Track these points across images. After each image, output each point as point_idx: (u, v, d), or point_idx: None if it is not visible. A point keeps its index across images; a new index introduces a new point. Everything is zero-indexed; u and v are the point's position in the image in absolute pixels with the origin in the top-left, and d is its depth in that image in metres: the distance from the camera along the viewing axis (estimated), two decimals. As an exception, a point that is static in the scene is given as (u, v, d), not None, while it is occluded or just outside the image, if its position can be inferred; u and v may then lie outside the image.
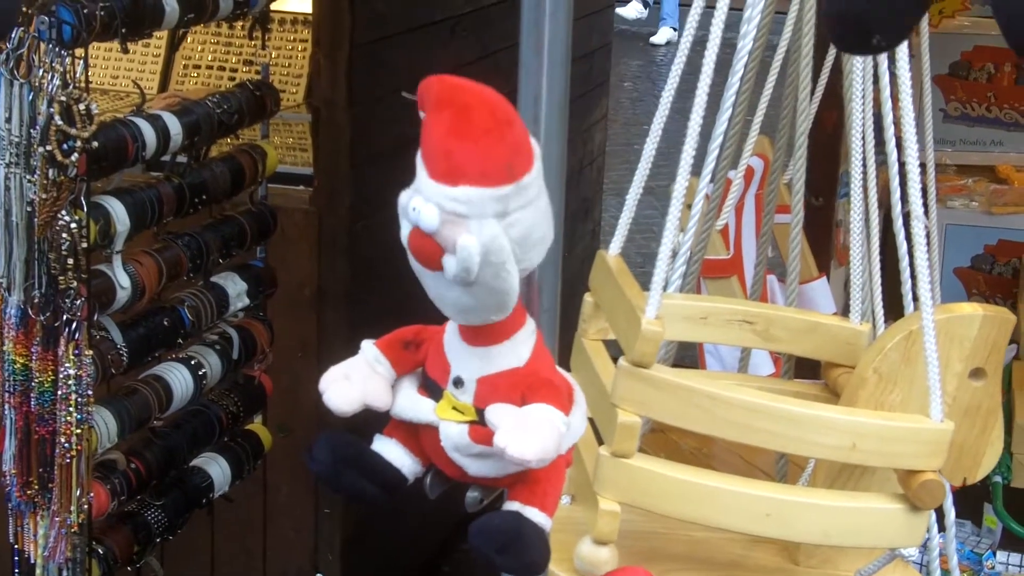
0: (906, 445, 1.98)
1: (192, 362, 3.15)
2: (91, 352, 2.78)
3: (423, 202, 1.54)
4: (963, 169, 4.34)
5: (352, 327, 3.62)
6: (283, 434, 3.55)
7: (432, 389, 1.67)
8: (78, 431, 2.78)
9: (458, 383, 1.64)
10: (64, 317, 2.74)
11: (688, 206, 2.59)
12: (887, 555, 2.06)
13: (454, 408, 1.64)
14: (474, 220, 1.52)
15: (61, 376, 2.77)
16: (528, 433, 1.54)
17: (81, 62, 2.67)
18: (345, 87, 3.42)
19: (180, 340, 3.11)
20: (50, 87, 2.63)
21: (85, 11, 2.66)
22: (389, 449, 1.71)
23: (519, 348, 1.63)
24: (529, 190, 1.55)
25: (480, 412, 1.62)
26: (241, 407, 3.35)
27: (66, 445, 2.79)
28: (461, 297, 1.57)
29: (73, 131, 2.64)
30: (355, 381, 1.66)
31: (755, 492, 1.99)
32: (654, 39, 12.94)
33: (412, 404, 1.68)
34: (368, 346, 1.70)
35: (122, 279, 2.87)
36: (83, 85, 2.68)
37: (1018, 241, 4.19)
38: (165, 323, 3.05)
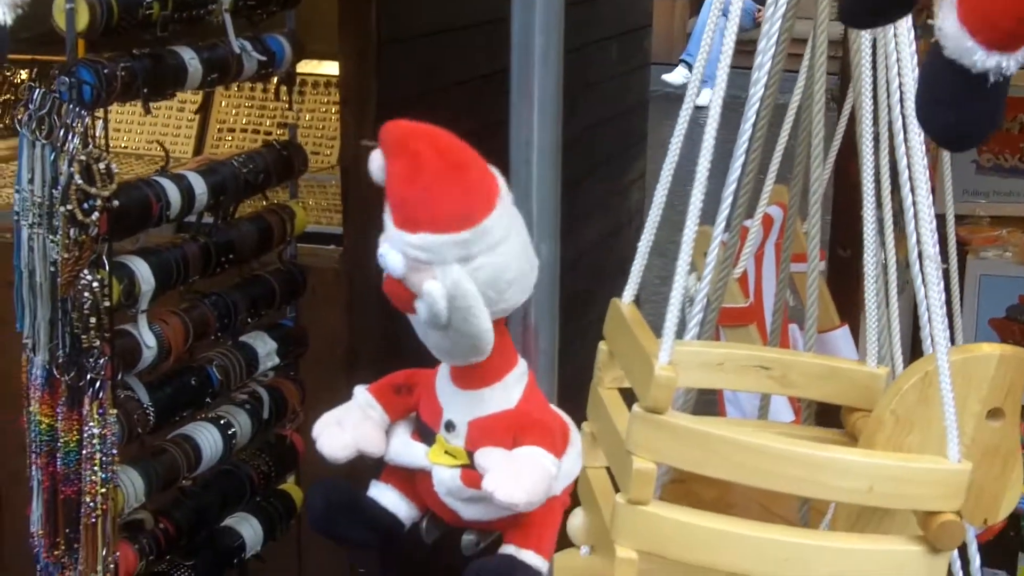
0: (923, 487, 1.94)
1: (221, 421, 3.15)
2: (115, 411, 2.79)
3: (388, 249, 1.55)
4: (997, 220, 4.28)
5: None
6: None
7: (425, 433, 1.66)
8: (103, 491, 2.78)
9: (450, 427, 1.63)
10: (88, 376, 2.74)
11: (704, 254, 2.58)
12: (906, 600, 2.02)
13: (446, 452, 1.63)
14: (437, 266, 1.53)
15: (86, 435, 2.77)
16: (517, 476, 1.53)
17: (101, 122, 2.69)
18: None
19: (208, 400, 3.10)
20: (70, 147, 2.65)
21: (106, 71, 2.68)
22: (385, 495, 1.71)
23: (510, 390, 1.63)
24: (493, 232, 1.55)
25: (472, 456, 1.61)
26: (273, 467, 3.34)
27: (91, 505, 2.79)
28: (438, 339, 1.58)
29: (93, 190, 2.65)
30: (347, 427, 1.66)
31: (772, 536, 1.95)
32: (697, 101, 12.98)
33: (405, 449, 1.67)
34: (360, 391, 1.70)
35: (148, 338, 2.88)
36: (103, 145, 2.70)
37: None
38: (193, 382, 3.05)
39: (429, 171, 1.52)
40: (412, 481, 1.69)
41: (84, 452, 2.78)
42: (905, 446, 2.07)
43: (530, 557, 1.63)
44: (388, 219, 1.57)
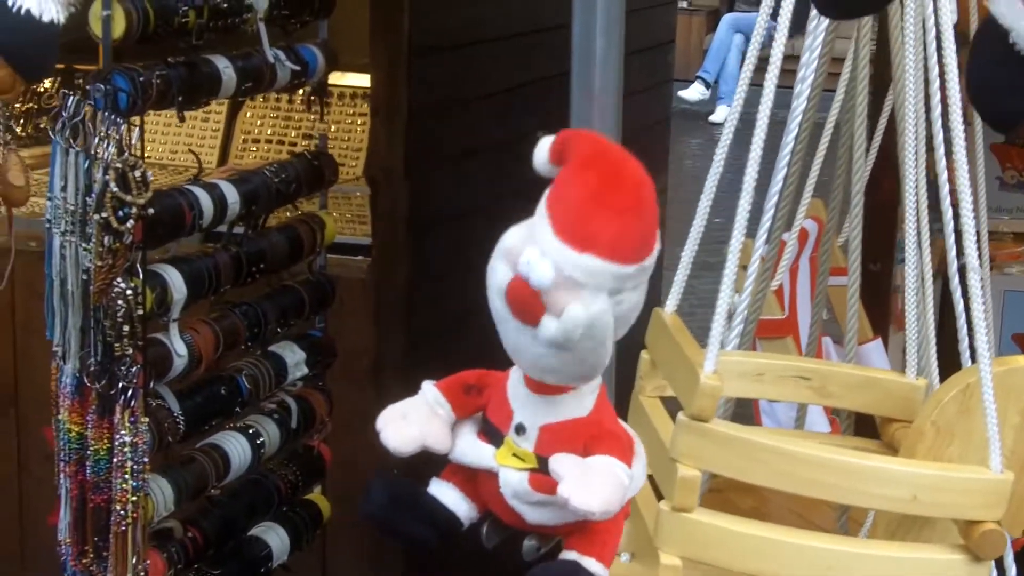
0: (966, 496, 1.96)
1: (250, 431, 3.14)
2: (147, 420, 2.78)
3: (540, 256, 1.48)
4: (1020, 236, 4.31)
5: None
6: (341, 507, 3.53)
7: (493, 435, 1.65)
8: (134, 499, 2.77)
9: (520, 430, 1.62)
10: (120, 385, 2.74)
11: (744, 267, 2.58)
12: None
13: (514, 455, 1.62)
14: (588, 291, 1.47)
15: (117, 444, 2.76)
16: (593, 484, 1.52)
17: (137, 130, 2.69)
18: (402, 155, 3.43)
19: (238, 409, 3.10)
20: (105, 155, 2.65)
21: (141, 79, 2.68)
22: (446, 493, 1.70)
23: (584, 398, 1.61)
24: (646, 272, 1.51)
25: (541, 460, 1.60)
26: (300, 477, 3.34)
27: (121, 513, 2.78)
28: (545, 357, 1.52)
29: (128, 198, 2.65)
30: (413, 421, 1.64)
31: (817, 545, 1.98)
32: (713, 118, 13.09)
33: (472, 449, 1.66)
34: (429, 387, 1.68)
35: (179, 347, 2.87)
36: (138, 153, 2.70)
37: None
38: (223, 392, 3.05)
39: (625, 196, 1.47)
40: (474, 482, 1.68)
41: (115, 460, 2.77)
42: (945, 456, 2.08)
43: (592, 564, 1.62)
44: (545, 226, 1.50)
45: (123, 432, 2.76)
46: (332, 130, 4.23)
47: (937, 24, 2.18)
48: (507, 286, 1.51)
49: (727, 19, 13.96)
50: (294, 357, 3.27)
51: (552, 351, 1.50)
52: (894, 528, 2.11)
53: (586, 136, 1.51)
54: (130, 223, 2.67)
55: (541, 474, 1.60)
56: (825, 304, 2.73)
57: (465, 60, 3.79)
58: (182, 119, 2.84)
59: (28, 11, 2.05)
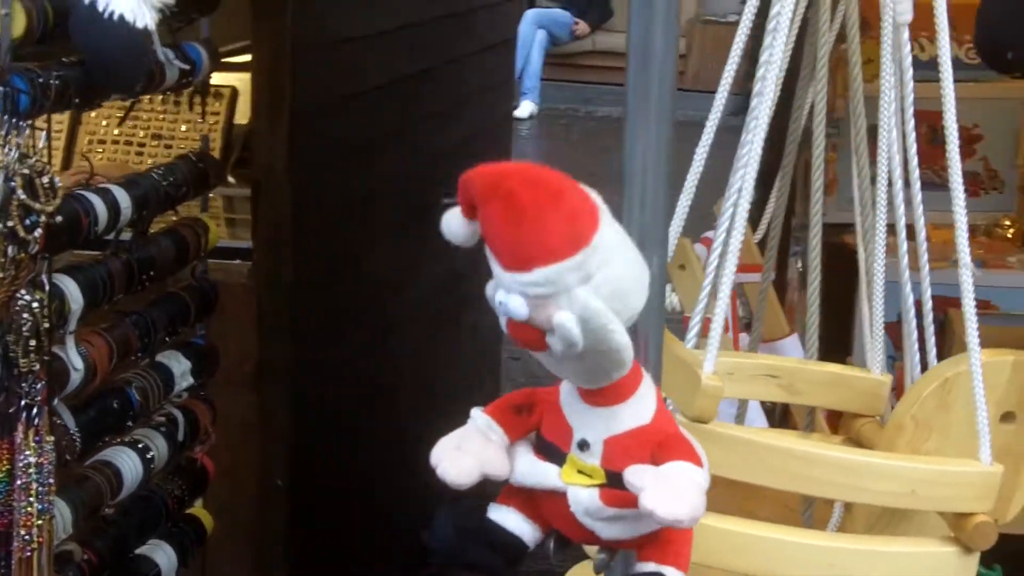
0: (960, 489, 1.99)
1: (140, 446, 3.02)
2: (51, 439, 2.64)
3: (505, 294, 1.50)
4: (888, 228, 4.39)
5: (295, 404, 3.52)
6: (223, 518, 3.43)
7: (552, 453, 1.61)
8: (39, 522, 2.63)
9: (583, 446, 1.59)
10: (23, 402, 2.60)
11: (680, 267, 2.58)
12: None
13: (579, 471, 1.59)
14: (561, 295, 1.48)
15: (20, 465, 2.62)
16: (676, 492, 1.49)
17: (44, 134, 2.55)
18: (286, 154, 3.34)
19: (130, 423, 2.98)
20: (8, 160, 2.50)
21: (40, 80, 2.54)
22: (508, 518, 1.66)
23: (643, 403, 1.59)
24: (604, 246, 1.50)
25: (610, 474, 1.57)
26: (185, 491, 3.22)
27: (27, 537, 2.63)
28: (576, 367, 1.54)
29: (37, 205, 2.51)
30: (469, 451, 1.59)
31: (820, 543, 1.99)
32: (517, 113, 13.06)
33: (534, 470, 1.62)
34: (479, 414, 1.64)
35: (76, 361, 2.73)
36: (45, 157, 2.56)
37: (940, 295, 4.23)
38: (115, 405, 2.92)
39: (530, 207, 1.47)
40: (534, 502, 1.64)
41: (18, 483, 2.62)
42: (923, 450, 2.11)
43: (672, 573, 1.59)
44: (495, 266, 1.52)
45: (27, 452, 2.61)
46: (182, 129, 4.09)
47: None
48: (507, 330, 1.53)
49: (529, 15, 13.88)
50: (180, 367, 3.15)
51: (574, 360, 1.51)
52: (873, 522, 2.13)
53: (474, 175, 1.52)
54: (38, 232, 2.53)
55: (612, 488, 1.57)
56: (740, 301, 2.75)
57: (349, 55, 3.70)
58: (79, 121, 2.70)
59: (122, 16, 1.90)
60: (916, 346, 2.21)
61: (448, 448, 1.60)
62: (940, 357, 2.25)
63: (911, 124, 2.18)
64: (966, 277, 2.00)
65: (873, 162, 2.38)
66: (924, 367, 2.18)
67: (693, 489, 1.52)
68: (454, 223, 1.57)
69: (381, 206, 4.01)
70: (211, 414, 3.27)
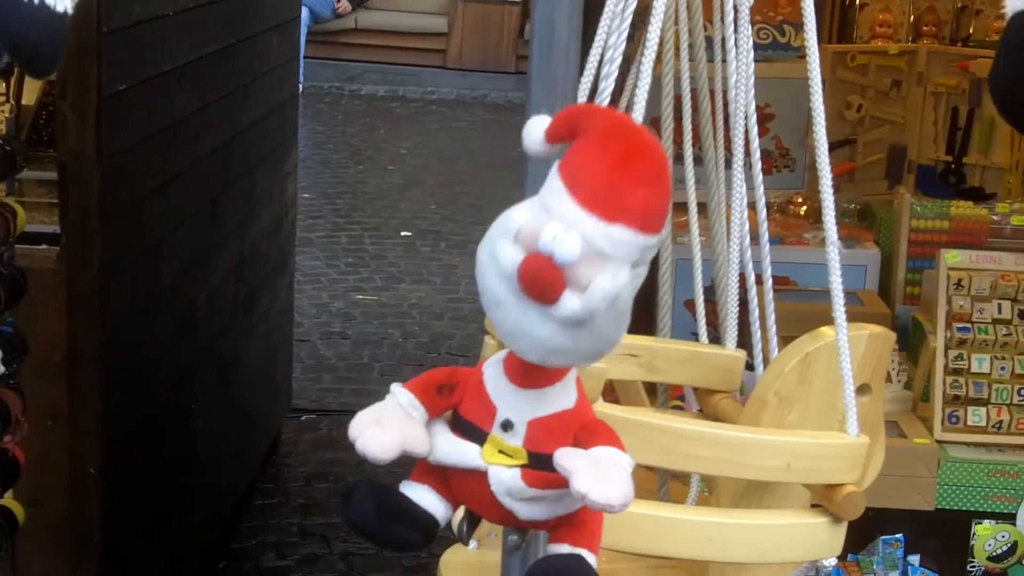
0: (832, 461, 2.04)
1: (-49, 438, 2.90)
2: None
3: (564, 230, 1.43)
4: (680, 207, 4.47)
5: (106, 390, 3.42)
6: (33, 507, 3.31)
7: (471, 432, 1.59)
8: None
9: (507, 426, 1.57)
10: None
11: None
12: (807, 566, 2.11)
13: (501, 451, 1.57)
14: (613, 263, 1.43)
15: None
16: (608, 477, 1.49)
17: None
18: (94, 138, 3.23)
19: (-56, 415, 2.86)
20: None
21: None
22: (423, 496, 1.63)
23: (568, 389, 1.58)
24: (659, 246, 1.49)
25: (532, 455, 1.56)
26: (-3, 483, 3.11)
27: None
28: (556, 337, 1.46)
29: None
30: (390, 427, 1.56)
31: (697, 518, 2.02)
32: None
33: (455, 449, 1.59)
34: (400, 391, 1.61)
35: None
36: None
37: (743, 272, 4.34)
38: (-74, 397, 2.80)
39: (651, 170, 1.43)
40: (446, 481, 1.62)
41: None
42: (785, 424, 2.15)
43: (587, 556, 1.59)
44: (565, 198, 1.43)
45: None
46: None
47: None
48: (520, 265, 1.45)
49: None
50: (-8, 356, 3.04)
51: (567, 330, 1.44)
52: (739, 496, 2.17)
53: (601, 109, 1.49)
54: None
55: (533, 470, 1.56)
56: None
57: (154, 35, 3.60)
58: None
59: (42, 1, 1.80)
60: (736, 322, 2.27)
61: (367, 422, 1.56)
62: (741, 333, 2.33)
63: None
64: (832, 253, 2.05)
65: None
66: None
67: (623, 474, 1.52)
68: (538, 132, 1.51)
69: (182, 189, 3.93)
70: (22, 403, 3.15)
